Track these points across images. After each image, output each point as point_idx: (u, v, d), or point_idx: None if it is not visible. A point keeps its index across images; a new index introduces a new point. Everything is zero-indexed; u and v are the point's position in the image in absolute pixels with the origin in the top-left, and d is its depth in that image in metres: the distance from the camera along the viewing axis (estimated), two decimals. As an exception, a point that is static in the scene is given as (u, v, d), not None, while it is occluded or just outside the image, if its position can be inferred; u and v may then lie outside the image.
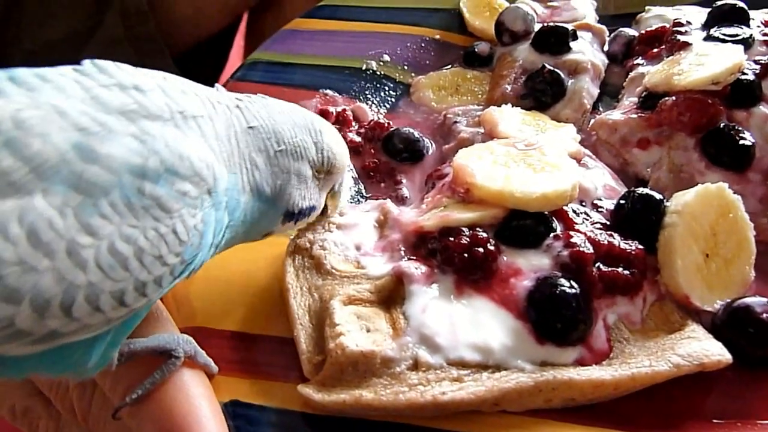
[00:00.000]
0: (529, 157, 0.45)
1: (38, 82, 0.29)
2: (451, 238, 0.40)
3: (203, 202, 0.31)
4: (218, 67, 1.05)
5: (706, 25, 0.56)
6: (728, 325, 0.40)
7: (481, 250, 0.39)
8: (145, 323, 0.35)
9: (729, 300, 0.41)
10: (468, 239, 0.40)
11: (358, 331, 0.37)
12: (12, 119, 0.27)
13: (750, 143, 0.47)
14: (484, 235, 0.40)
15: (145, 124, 0.30)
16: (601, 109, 0.58)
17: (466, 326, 0.37)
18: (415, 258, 0.41)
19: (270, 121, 0.37)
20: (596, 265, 0.40)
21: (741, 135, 0.47)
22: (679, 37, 0.55)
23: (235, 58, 1.11)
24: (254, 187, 0.35)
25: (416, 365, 0.36)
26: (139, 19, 0.87)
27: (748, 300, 0.40)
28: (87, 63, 0.32)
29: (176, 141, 0.30)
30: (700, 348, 0.38)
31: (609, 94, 0.60)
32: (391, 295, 0.40)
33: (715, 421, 0.38)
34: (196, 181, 0.31)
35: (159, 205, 0.29)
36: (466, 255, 0.39)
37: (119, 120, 0.29)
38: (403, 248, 0.42)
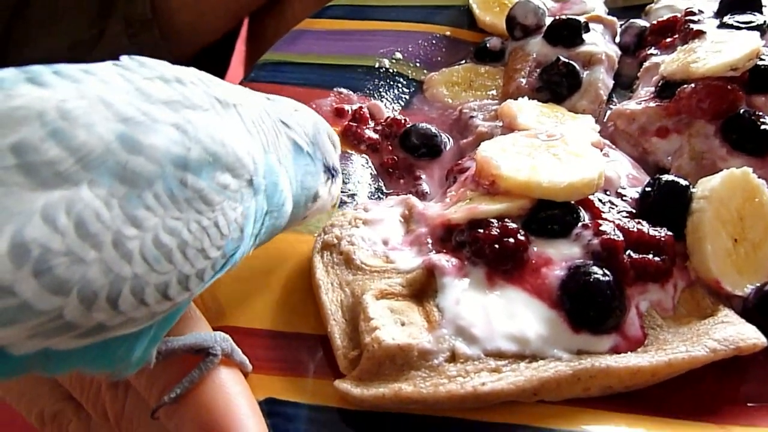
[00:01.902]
0: (552, 148, 0.45)
1: (83, 75, 0.29)
2: (481, 230, 0.40)
3: (243, 195, 0.31)
4: (220, 72, 1.04)
5: (719, 13, 0.56)
6: (760, 308, 0.39)
7: (511, 240, 0.39)
8: (180, 322, 0.34)
9: (760, 284, 0.40)
10: (498, 230, 0.40)
11: (393, 324, 0.37)
12: (57, 109, 0.27)
13: (771, 128, 0.47)
14: (514, 225, 0.40)
15: (187, 113, 0.30)
16: (615, 100, 0.58)
17: (501, 317, 0.37)
18: (444, 251, 0.41)
19: (276, 96, 0.40)
20: (627, 252, 0.40)
21: (762, 120, 0.47)
22: (692, 25, 0.55)
23: (236, 63, 1.11)
24: (292, 146, 0.37)
25: (454, 357, 0.36)
26: (143, 26, 0.87)
27: (780, 283, 0.40)
28: (125, 58, 0.31)
29: (217, 129, 0.31)
30: (736, 332, 0.37)
31: (622, 85, 0.60)
32: (423, 289, 0.39)
33: (750, 404, 0.38)
34: (237, 170, 0.31)
35: (201, 198, 0.29)
36: (496, 246, 0.39)
37: (162, 109, 0.29)
38: (430, 241, 0.42)
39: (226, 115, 0.32)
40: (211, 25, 0.93)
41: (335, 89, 0.59)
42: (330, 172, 0.41)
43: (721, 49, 0.50)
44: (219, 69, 1.04)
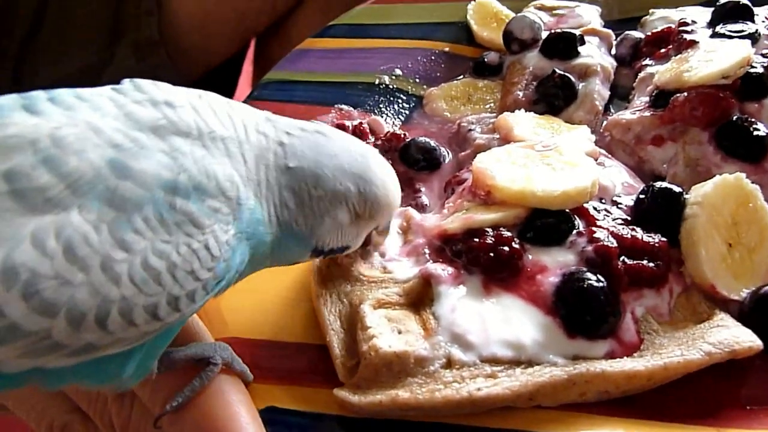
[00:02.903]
0: (547, 158, 0.45)
1: (75, 101, 0.30)
2: (476, 239, 0.41)
3: (234, 220, 0.31)
4: (228, 94, 1.06)
5: (711, 23, 0.57)
6: (755, 311, 0.40)
7: (506, 248, 0.40)
8: (181, 333, 0.35)
9: (755, 288, 0.41)
10: (493, 239, 0.40)
11: (390, 333, 0.37)
12: (50, 137, 0.28)
13: (764, 134, 0.48)
14: (509, 234, 0.41)
15: (175, 140, 0.30)
16: (612, 110, 0.59)
17: (497, 323, 0.38)
18: (440, 260, 0.42)
19: (314, 162, 0.34)
20: (621, 258, 0.40)
21: (755, 126, 0.48)
22: (685, 36, 0.56)
23: (243, 85, 1.13)
24: (282, 222, 0.34)
25: (450, 363, 0.36)
26: (151, 49, 0.89)
27: (775, 286, 0.40)
28: (126, 82, 0.32)
29: (203, 159, 0.30)
30: (731, 335, 0.38)
31: (619, 95, 0.60)
32: (420, 298, 0.40)
33: (749, 407, 0.38)
34: (223, 200, 0.31)
35: (191, 221, 0.29)
36: (492, 254, 0.40)
37: (150, 137, 0.30)
38: (427, 252, 0.43)
39: (212, 147, 0.31)
40: (219, 47, 0.95)
41: (336, 106, 0.60)
42: (321, 253, 0.37)
43: (712, 58, 0.51)
44: (227, 89, 1.05)
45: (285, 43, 0.97)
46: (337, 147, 0.36)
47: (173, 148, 0.30)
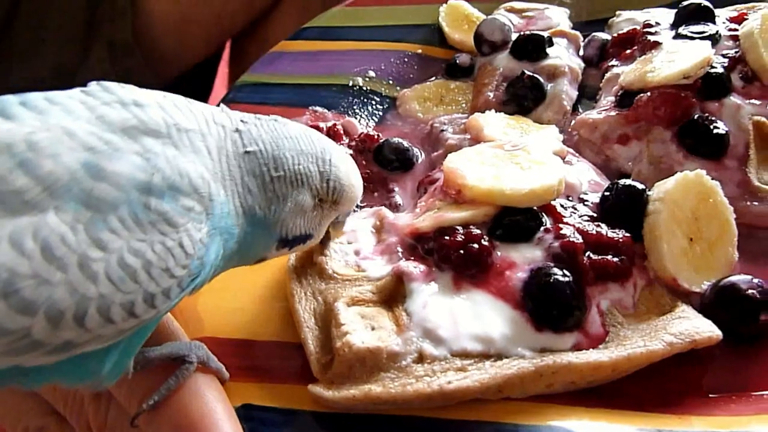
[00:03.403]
0: (515, 157, 0.46)
1: (47, 105, 0.30)
2: (447, 237, 0.42)
3: (207, 217, 0.32)
4: (203, 95, 1.06)
5: (674, 25, 0.58)
6: (716, 303, 0.41)
7: (476, 246, 0.41)
8: (156, 333, 0.36)
9: (715, 280, 0.42)
10: (463, 237, 0.41)
11: (363, 329, 0.38)
12: (25, 141, 0.28)
13: (724, 132, 0.49)
14: (478, 232, 0.42)
15: (147, 141, 0.31)
16: (580, 110, 0.60)
17: (467, 318, 0.39)
18: (413, 258, 0.43)
19: (271, 145, 0.35)
20: (586, 254, 0.41)
21: (715, 125, 0.50)
22: (649, 37, 0.57)
23: (219, 87, 1.13)
24: (247, 210, 0.34)
25: (421, 358, 0.37)
26: (125, 52, 0.89)
27: (734, 278, 0.42)
28: (93, 84, 0.33)
29: (175, 159, 0.31)
30: (691, 326, 0.39)
31: (587, 95, 0.62)
32: (393, 295, 0.41)
33: (711, 395, 0.39)
34: (196, 198, 0.31)
35: (165, 220, 0.30)
36: (462, 252, 0.41)
37: (122, 138, 0.30)
38: (400, 250, 0.44)
39: (180, 143, 0.32)
40: (194, 49, 0.95)
41: (311, 108, 0.61)
42: (288, 243, 0.37)
43: (674, 59, 0.53)
44: (202, 91, 1.05)
45: (261, 45, 0.97)
46: (294, 131, 0.36)
47: (146, 149, 0.31)
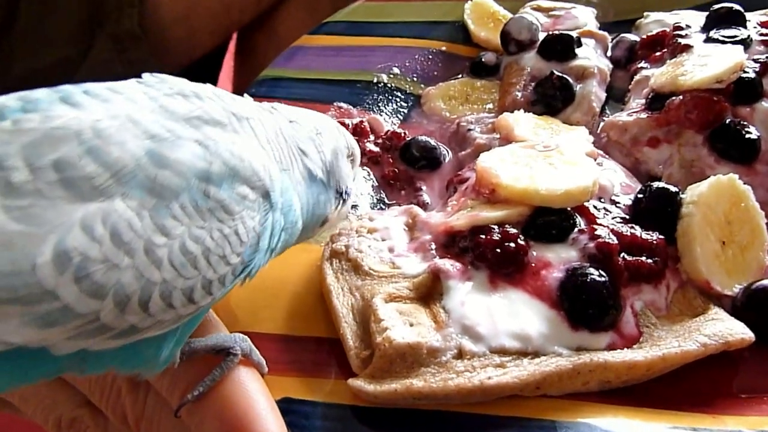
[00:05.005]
0: (549, 158, 0.49)
1: (110, 94, 0.33)
2: (483, 236, 0.45)
3: (260, 205, 0.35)
4: (208, 88, 1.08)
5: (705, 28, 0.62)
6: (748, 306, 0.44)
7: (512, 245, 0.44)
8: (201, 326, 0.38)
9: (747, 283, 0.45)
10: (499, 236, 0.44)
11: (402, 325, 0.41)
12: (92, 129, 0.31)
13: (756, 137, 0.53)
14: (514, 231, 0.45)
15: (207, 129, 0.34)
16: (608, 111, 0.63)
17: (504, 316, 0.42)
18: (447, 256, 0.45)
19: (302, 114, 0.42)
20: (621, 255, 0.44)
21: (747, 130, 0.53)
22: (680, 40, 0.60)
23: (224, 79, 1.15)
24: (307, 174, 0.40)
25: (461, 354, 0.40)
26: (132, 43, 0.91)
27: (765, 282, 0.45)
28: (147, 75, 0.36)
29: (235, 144, 0.34)
30: (725, 328, 0.42)
31: (614, 97, 0.65)
32: (429, 292, 0.44)
33: (742, 396, 0.42)
34: (255, 183, 0.34)
35: (223, 208, 0.33)
36: (498, 250, 0.44)
37: (185, 127, 0.33)
38: (434, 247, 0.46)
39: (241, 130, 0.36)
40: (202, 40, 0.97)
41: (335, 104, 0.63)
42: (342, 196, 0.44)
43: (707, 62, 0.56)
44: (207, 83, 1.08)
45: (270, 37, 1.00)
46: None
47: (207, 136, 0.33)
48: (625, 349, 0.42)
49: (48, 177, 0.29)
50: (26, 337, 0.29)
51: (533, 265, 0.44)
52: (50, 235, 0.28)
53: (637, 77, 0.62)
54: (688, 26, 0.62)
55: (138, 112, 0.33)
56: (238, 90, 1.09)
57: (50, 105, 0.32)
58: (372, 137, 0.61)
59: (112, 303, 0.30)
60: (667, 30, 0.64)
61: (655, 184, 0.48)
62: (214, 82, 1.10)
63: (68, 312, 0.29)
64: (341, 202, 0.44)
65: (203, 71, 1.04)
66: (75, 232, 0.29)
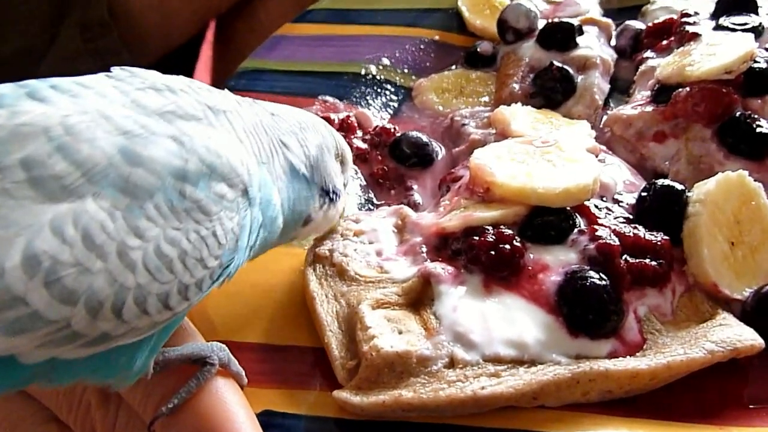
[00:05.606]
0: (547, 154, 0.50)
1: (80, 89, 0.33)
2: (476, 237, 0.45)
3: (239, 205, 0.36)
4: (185, 78, 1.08)
5: (715, 15, 0.63)
6: (758, 311, 0.45)
7: (507, 247, 0.45)
8: (175, 334, 0.39)
9: (757, 287, 0.46)
10: (493, 237, 0.45)
11: (391, 333, 0.42)
12: (61, 125, 0.31)
13: (767, 131, 0.54)
14: (509, 232, 0.46)
15: (182, 124, 0.34)
16: (612, 104, 0.64)
17: (499, 322, 0.42)
18: (439, 259, 0.46)
19: (284, 109, 0.43)
20: (623, 257, 0.45)
21: (758, 123, 0.54)
22: (688, 28, 0.61)
23: (202, 70, 1.16)
24: (288, 168, 0.41)
25: (452, 363, 0.41)
26: (101, 31, 0.91)
27: (777, 285, 0.46)
28: (117, 69, 0.36)
29: (211, 139, 0.35)
30: (733, 334, 0.43)
31: (619, 89, 0.66)
32: (419, 297, 0.45)
33: (751, 406, 0.43)
34: (232, 180, 0.35)
35: (199, 208, 0.33)
36: (492, 253, 0.44)
37: (158, 122, 0.34)
38: (425, 250, 0.47)
39: (218, 124, 0.37)
40: (177, 28, 0.97)
41: (320, 97, 0.64)
42: (328, 195, 0.45)
43: (715, 52, 0.57)
44: (183, 75, 1.08)
45: (251, 24, 1.00)
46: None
47: (182, 131, 0.34)
48: (628, 357, 0.42)
49: (15, 176, 0.30)
50: None
51: (530, 268, 0.45)
52: (18, 237, 0.29)
53: (642, 68, 0.63)
54: (696, 13, 0.63)
55: (109, 107, 0.33)
56: (217, 82, 1.10)
57: (16, 101, 0.32)
58: (360, 133, 0.61)
59: (84, 309, 0.30)
60: (674, 17, 0.65)
61: (660, 182, 0.49)
62: (191, 74, 1.11)
63: (38, 318, 0.29)
64: (327, 201, 0.44)
65: (179, 62, 1.04)
66: (45, 235, 0.29)
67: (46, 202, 0.30)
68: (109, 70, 0.37)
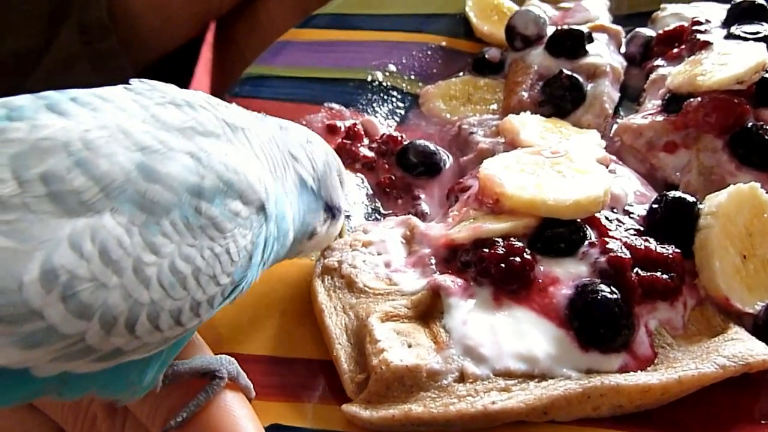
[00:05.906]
0: (557, 165, 0.51)
1: (100, 102, 0.35)
2: (486, 250, 0.47)
3: (252, 222, 0.37)
4: (184, 81, 1.10)
5: (726, 23, 0.64)
6: (771, 325, 0.46)
7: (518, 259, 0.46)
8: (185, 348, 0.40)
9: (770, 301, 0.47)
10: (504, 249, 0.46)
11: (400, 346, 0.43)
12: (81, 140, 0.32)
13: (779, 142, 0.55)
14: (520, 244, 0.47)
15: (201, 140, 0.36)
16: (622, 113, 0.65)
17: (509, 336, 0.44)
18: (448, 271, 0.47)
19: (290, 123, 0.45)
20: (634, 270, 0.46)
21: (769, 134, 0.55)
22: (699, 36, 0.63)
23: (201, 74, 1.17)
24: (298, 181, 0.43)
25: (463, 377, 0.42)
26: (100, 33, 0.92)
27: (790, 299, 0.47)
28: (136, 82, 0.38)
29: (228, 156, 0.36)
30: (745, 348, 0.44)
31: (629, 97, 0.67)
32: (428, 310, 0.46)
33: (763, 422, 0.44)
34: (248, 197, 0.36)
35: (214, 225, 0.35)
36: (503, 265, 0.46)
37: (177, 138, 0.35)
38: (434, 262, 0.48)
39: (236, 141, 0.38)
40: (177, 30, 0.99)
41: (326, 104, 0.65)
42: (331, 211, 0.47)
43: (727, 61, 0.58)
44: (183, 78, 1.09)
45: (252, 27, 1.02)
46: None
47: (200, 148, 0.35)
48: (639, 371, 0.44)
49: (35, 191, 0.31)
50: (8, 358, 0.31)
51: (540, 281, 0.46)
52: (37, 252, 0.30)
53: (652, 76, 0.64)
54: (707, 21, 0.65)
55: (128, 122, 0.34)
56: (217, 84, 1.11)
57: (36, 113, 0.33)
58: (366, 141, 0.63)
59: (98, 324, 0.31)
60: (686, 24, 0.66)
61: (672, 194, 0.50)
62: (191, 76, 1.12)
63: (53, 332, 0.31)
64: (330, 217, 0.46)
65: (178, 64, 1.06)
66: (63, 249, 0.31)
67: (64, 216, 0.31)
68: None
